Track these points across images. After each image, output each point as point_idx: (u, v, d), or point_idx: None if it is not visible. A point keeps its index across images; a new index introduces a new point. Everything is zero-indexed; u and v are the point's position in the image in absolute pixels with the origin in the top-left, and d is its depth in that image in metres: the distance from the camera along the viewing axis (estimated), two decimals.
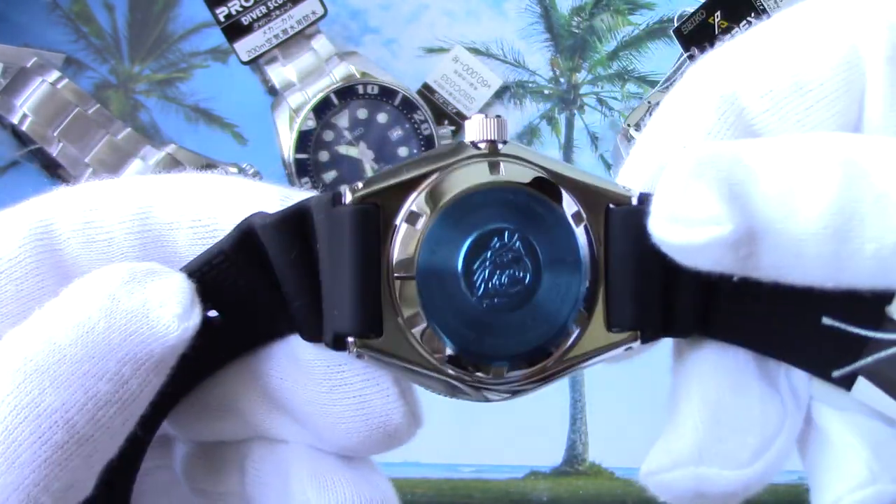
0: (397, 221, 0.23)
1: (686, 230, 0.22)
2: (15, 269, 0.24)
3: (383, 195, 0.23)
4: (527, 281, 0.23)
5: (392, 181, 0.23)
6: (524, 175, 0.23)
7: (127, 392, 0.22)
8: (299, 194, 0.25)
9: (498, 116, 0.24)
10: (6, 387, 0.21)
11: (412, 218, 0.23)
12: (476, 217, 0.23)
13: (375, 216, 0.23)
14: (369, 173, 0.59)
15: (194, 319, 0.22)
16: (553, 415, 0.62)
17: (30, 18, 0.62)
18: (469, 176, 0.23)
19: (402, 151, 0.59)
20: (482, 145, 0.23)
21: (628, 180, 0.25)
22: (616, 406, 0.62)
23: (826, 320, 0.24)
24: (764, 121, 0.25)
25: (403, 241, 0.23)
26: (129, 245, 0.25)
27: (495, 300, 0.23)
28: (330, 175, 0.59)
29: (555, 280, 0.23)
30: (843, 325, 0.24)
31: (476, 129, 0.24)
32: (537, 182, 0.23)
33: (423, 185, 0.23)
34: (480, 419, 0.62)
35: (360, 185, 0.23)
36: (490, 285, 0.23)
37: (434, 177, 0.23)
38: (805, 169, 0.22)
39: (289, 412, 0.25)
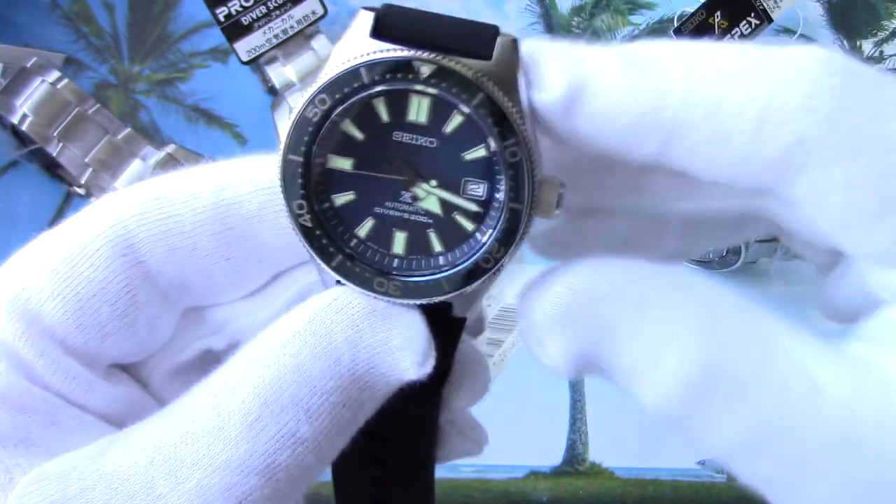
0: None
1: (540, 353, 0.24)
2: (107, 290, 0.25)
3: None
4: None
5: None
6: None
7: (361, 415, 0.24)
8: None
9: None
10: (264, 419, 0.22)
11: None
12: None
13: None
14: None
15: (429, 364, 0.24)
16: (553, 415, 0.62)
17: (30, 18, 0.62)
18: None
19: None
20: None
21: None
22: (616, 406, 0.62)
23: None
24: None
25: None
26: (213, 246, 0.25)
27: None
28: None
29: None
30: None
31: None
32: None
33: None
34: (481, 419, 0.62)
35: None
36: None
37: None
38: (660, 360, 0.23)
39: None
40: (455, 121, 0.24)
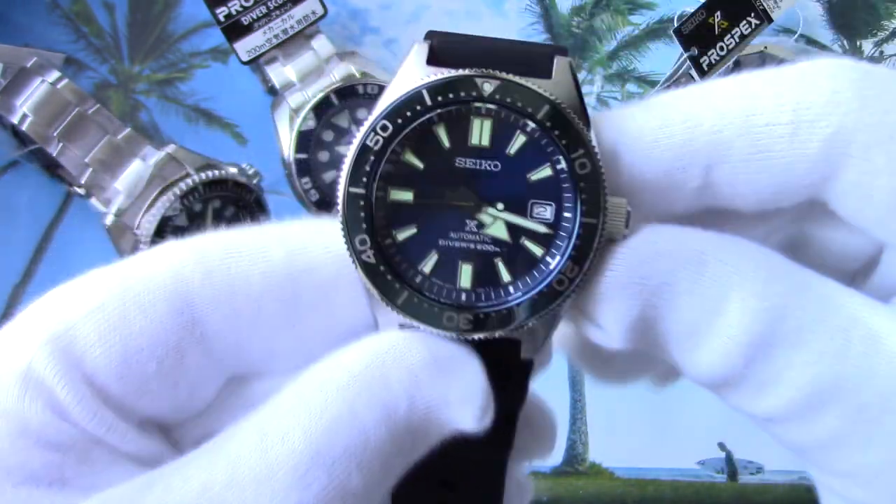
0: None
1: (583, 323, 0.24)
2: (156, 347, 0.23)
3: None
4: None
5: None
6: None
7: (412, 459, 0.23)
8: None
9: None
10: (315, 470, 0.21)
11: None
12: None
13: None
14: None
15: (488, 418, 0.23)
16: None
17: (30, 18, 0.62)
18: None
19: None
20: None
21: None
22: (616, 406, 0.62)
23: None
24: None
25: None
26: (279, 314, 0.24)
27: None
28: (330, 175, 0.59)
29: None
30: None
31: None
32: None
33: None
34: None
35: None
36: None
37: None
38: (721, 312, 0.23)
39: None
40: (519, 141, 0.24)
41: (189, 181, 0.54)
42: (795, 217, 0.27)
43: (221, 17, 0.57)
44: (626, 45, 0.65)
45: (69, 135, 0.55)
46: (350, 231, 0.24)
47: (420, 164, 0.24)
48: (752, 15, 0.58)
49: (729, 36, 0.58)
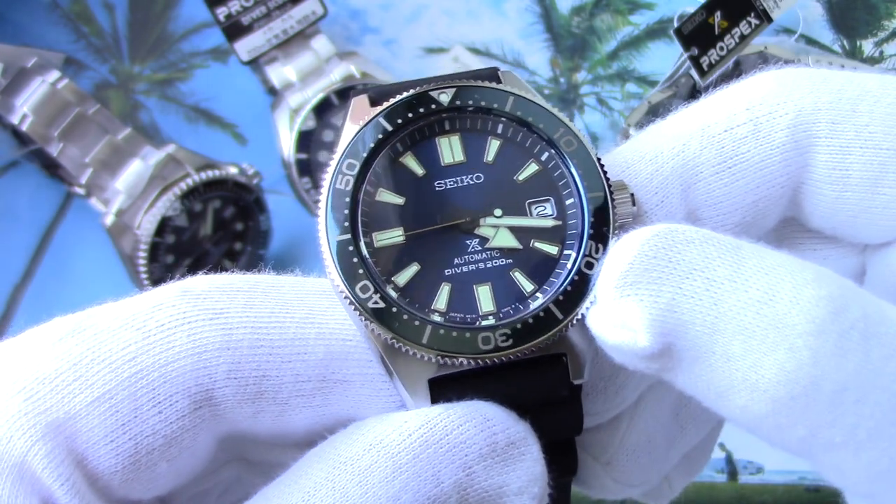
0: None
1: (604, 326, 0.21)
2: (171, 447, 0.21)
3: None
4: None
5: None
6: None
7: None
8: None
9: None
10: None
11: None
12: None
13: None
14: None
15: None
16: None
17: (30, 18, 0.62)
18: None
19: None
20: None
21: None
22: None
23: None
24: None
25: None
26: (303, 416, 0.22)
27: None
28: None
29: None
30: None
31: None
32: None
33: None
34: None
35: None
36: None
37: None
38: (774, 301, 0.20)
39: None
40: (493, 146, 0.23)
41: (189, 181, 0.54)
42: (777, 241, 0.26)
43: (221, 17, 0.57)
44: (626, 45, 0.65)
45: (69, 135, 0.55)
46: (348, 280, 0.22)
47: (399, 200, 0.23)
48: (752, 15, 0.58)
49: (729, 36, 0.58)
